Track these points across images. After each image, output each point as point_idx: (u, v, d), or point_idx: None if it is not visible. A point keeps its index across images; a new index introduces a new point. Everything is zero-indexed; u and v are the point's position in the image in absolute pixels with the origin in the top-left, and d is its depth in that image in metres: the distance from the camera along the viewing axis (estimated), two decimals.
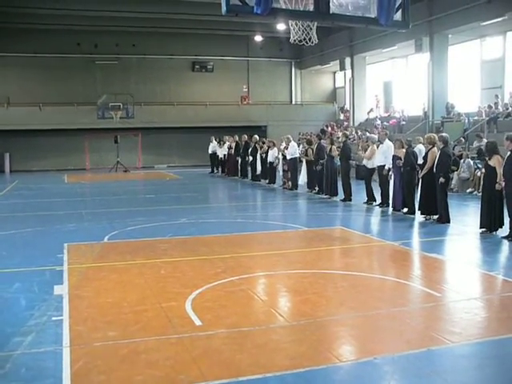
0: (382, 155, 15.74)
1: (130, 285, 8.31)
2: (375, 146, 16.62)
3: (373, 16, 8.29)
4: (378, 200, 16.27)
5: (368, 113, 33.67)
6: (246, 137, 26.81)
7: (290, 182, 21.56)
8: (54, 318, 6.77)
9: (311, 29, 8.93)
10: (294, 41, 9.12)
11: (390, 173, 15.49)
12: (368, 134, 20.16)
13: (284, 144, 21.98)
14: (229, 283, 8.26)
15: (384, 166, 15.60)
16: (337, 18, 8.31)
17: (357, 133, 30.26)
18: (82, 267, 9.38)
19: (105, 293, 7.89)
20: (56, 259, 9.89)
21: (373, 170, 16.65)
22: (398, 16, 8.75)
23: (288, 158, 21.24)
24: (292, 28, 8.97)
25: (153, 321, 6.66)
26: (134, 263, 9.65)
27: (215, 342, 6.01)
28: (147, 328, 6.41)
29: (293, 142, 21.63)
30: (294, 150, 21.19)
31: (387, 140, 16.07)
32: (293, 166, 21.29)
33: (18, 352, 5.76)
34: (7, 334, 6.27)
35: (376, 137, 18.01)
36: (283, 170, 22.30)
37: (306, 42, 9.10)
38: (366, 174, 17.18)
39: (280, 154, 22.52)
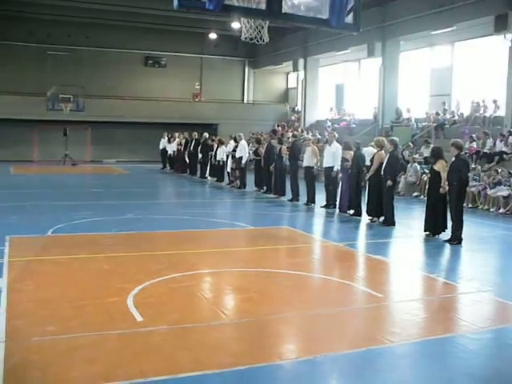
0: (331, 157, 15.88)
1: (72, 279, 8.17)
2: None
3: (324, 17, 8.32)
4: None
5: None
6: (196, 134, 26.66)
7: (238, 181, 21.53)
8: None
9: (263, 27, 8.95)
10: (245, 38, 9.08)
11: (340, 175, 15.63)
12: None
13: (232, 142, 21.94)
14: (172, 280, 8.20)
15: (332, 167, 15.75)
16: (288, 18, 8.29)
17: (307, 134, 30.40)
18: (23, 260, 9.19)
19: (46, 287, 7.75)
20: None
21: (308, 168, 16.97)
22: (349, 19, 8.80)
23: (237, 156, 21.20)
24: (244, 26, 8.96)
25: (93, 316, 6.56)
26: (77, 257, 9.49)
27: (156, 338, 5.96)
28: (87, 323, 6.31)
29: (243, 140, 21.57)
30: (243, 149, 21.14)
31: (335, 142, 16.18)
32: (241, 164, 21.27)
33: None
34: None
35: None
36: (231, 169, 22.23)
37: (257, 41, 9.09)
38: (306, 174, 17.16)
39: (227, 152, 22.37)
